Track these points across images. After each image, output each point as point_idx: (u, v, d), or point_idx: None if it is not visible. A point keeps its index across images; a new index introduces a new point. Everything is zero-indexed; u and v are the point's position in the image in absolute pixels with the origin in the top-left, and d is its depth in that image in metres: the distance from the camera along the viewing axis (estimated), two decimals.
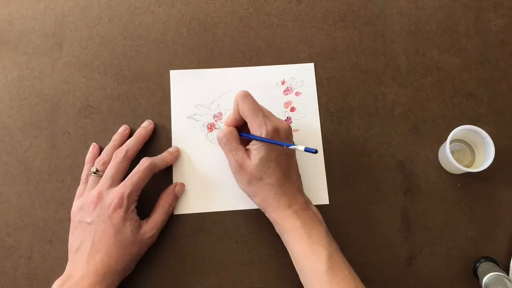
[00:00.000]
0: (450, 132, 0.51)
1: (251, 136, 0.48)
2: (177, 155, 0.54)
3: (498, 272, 0.48)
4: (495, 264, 0.50)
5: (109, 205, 0.47)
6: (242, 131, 0.50)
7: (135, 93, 0.57)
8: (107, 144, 0.54)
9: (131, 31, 0.59)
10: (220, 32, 0.60)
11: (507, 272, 0.51)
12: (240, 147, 0.48)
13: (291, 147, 0.45)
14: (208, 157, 0.55)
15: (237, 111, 0.48)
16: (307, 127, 0.56)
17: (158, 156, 0.53)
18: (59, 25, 0.59)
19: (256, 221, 0.53)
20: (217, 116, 0.56)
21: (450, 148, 0.51)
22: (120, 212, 0.47)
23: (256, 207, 0.53)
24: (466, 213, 0.54)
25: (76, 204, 0.50)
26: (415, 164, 0.55)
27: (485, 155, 0.52)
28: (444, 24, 0.60)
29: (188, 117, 0.56)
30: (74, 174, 0.54)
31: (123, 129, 0.55)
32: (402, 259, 0.53)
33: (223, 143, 0.49)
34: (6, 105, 0.57)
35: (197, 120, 0.56)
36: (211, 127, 0.56)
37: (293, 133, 0.55)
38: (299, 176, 0.51)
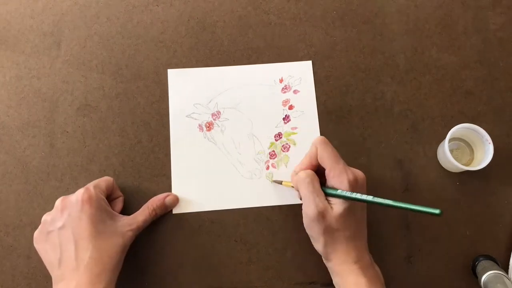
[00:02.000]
0: (449, 130, 0.51)
1: (334, 193, 0.45)
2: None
3: (497, 270, 0.48)
4: (494, 263, 0.50)
5: (76, 201, 0.45)
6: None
7: (134, 92, 0.57)
8: (106, 143, 0.54)
9: (130, 30, 0.59)
10: (218, 31, 0.59)
11: (506, 271, 0.51)
12: (322, 192, 0.45)
13: (400, 206, 0.41)
14: (206, 156, 0.55)
15: (315, 156, 0.47)
16: (306, 126, 0.56)
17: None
18: (57, 24, 0.59)
19: (254, 220, 0.53)
20: (215, 115, 0.56)
21: (449, 146, 0.51)
22: (92, 203, 0.45)
23: (255, 205, 0.53)
24: (465, 211, 0.54)
25: (42, 221, 0.47)
26: (414, 162, 0.55)
27: (483, 153, 0.52)
28: (443, 23, 0.60)
29: (186, 116, 0.56)
30: (72, 173, 0.54)
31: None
32: (401, 258, 0.53)
33: (307, 182, 0.45)
34: (4, 104, 0.56)
35: (195, 119, 0.56)
36: (209, 126, 0.56)
37: (292, 132, 0.55)
38: (366, 233, 0.48)
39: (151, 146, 0.55)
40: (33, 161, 0.55)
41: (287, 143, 0.56)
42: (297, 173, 0.48)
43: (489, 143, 0.51)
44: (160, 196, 0.52)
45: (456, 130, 0.51)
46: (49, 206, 0.53)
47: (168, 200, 0.52)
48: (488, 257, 0.51)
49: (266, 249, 0.53)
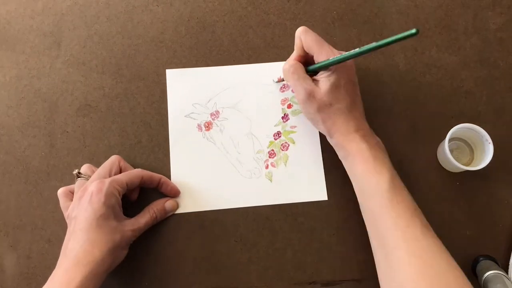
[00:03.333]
0: (449, 130, 0.51)
1: (319, 65, 0.48)
2: (172, 190, 0.53)
3: (497, 270, 0.48)
4: (494, 263, 0.50)
5: (90, 192, 0.46)
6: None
7: (134, 92, 0.57)
8: (106, 143, 0.54)
9: (130, 30, 0.59)
10: (218, 31, 0.59)
11: (506, 271, 0.51)
12: (307, 76, 0.49)
13: (379, 45, 0.42)
14: (206, 155, 0.55)
15: (300, 46, 0.50)
16: (305, 124, 0.56)
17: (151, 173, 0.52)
18: (57, 24, 0.59)
19: (254, 219, 0.53)
20: (214, 115, 0.56)
21: (449, 146, 0.51)
22: (101, 197, 0.46)
23: (255, 204, 0.53)
24: (465, 211, 0.54)
25: (68, 209, 0.49)
26: (413, 162, 0.55)
27: (483, 153, 0.52)
28: (443, 23, 0.60)
29: (185, 116, 0.56)
30: (72, 173, 0.54)
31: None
32: None
33: (291, 72, 0.49)
34: (4, 104, 0.56)
35: (194, 119, 0.56)
36: (208, 126, 0.56)
37: (291, 131, 0.55)
38: (362, 106, 0.51)
39: (151, 146, 0.55)
40: (33, 161, 0.55)
41: (286, 142, 0.56)
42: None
43: (489, 143, 0.51)
44: (161, 200, 0.52)
45: (456, 130, 0.51)
46: (49, 206, 0.53)
47: (168, 204, 0.52)
48: (488, 257, 0.51)
49: (266, 249, 0.53)
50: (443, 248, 0.42)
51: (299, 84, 0.48)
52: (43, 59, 0.58)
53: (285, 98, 0.57)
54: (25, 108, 0.56)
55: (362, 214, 0.48)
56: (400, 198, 0.44)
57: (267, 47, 0.59)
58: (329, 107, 0.48)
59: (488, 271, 0.48)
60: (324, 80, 0.48)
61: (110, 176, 0.49)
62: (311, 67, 0.50)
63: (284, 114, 0.57)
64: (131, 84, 0.57)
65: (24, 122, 0.56)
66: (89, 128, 0.56)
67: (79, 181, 0.50)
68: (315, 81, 0.49)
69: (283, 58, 0.58)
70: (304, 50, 0.50)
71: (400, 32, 0.39)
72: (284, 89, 0.57)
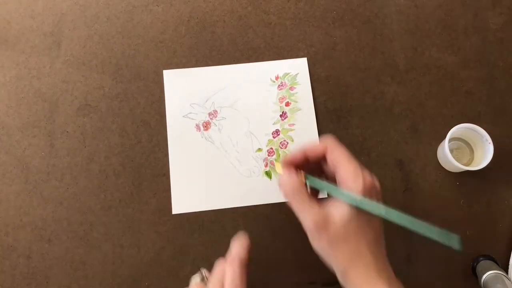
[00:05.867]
0: (449, 130, 0.51)
1: (335, 192, 0.39)
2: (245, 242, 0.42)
3: (497, 270, 0.48)
4: (493, 263, 0.50)
5: None
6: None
7: (134, 92, 0.57)
8: (106, 143, 0.54)
9: (130, 30, 0.59)
10: (218, 31, 0.59)
11: (506, 271, 0.51)
12: (313, 200, 0.39)
13: (416, 229, 0.35)
14: (204, 155, 0.55)
15: (313, 151, 0.41)
16: (303, 122, 0.56)
17: (235, 248, 0.41)
18: (57, 24, 0.59)
19: (254, 219, 0.53)
20: (212, 114, 0.56)
21: (449, 146, 0.51)
22: None
23: (255, 203, 0.53)
24: (464, 211, 0.54)
25: None
26: (414, 162, 0.55)
27: (483, 153, 0.52)
28: (443, 23, 0.60)
29: (183, 116, 0.56)
30: (72, 173, 0.54)
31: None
32: (401, 258, 0.53)
33: (293, 196, 0.40)
34: (5, 104, 0.56)
35: (192, 119, 0.56)
36: (206, 125, 0.56)
37: (289, 129, 0.54)
38: (383, 236, 0.41)
39: (151, 146, 0.55)
40: (33, 161, 0.55)
41: (285, 140, 0.56)
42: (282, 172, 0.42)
43: (489, 143, 0.51)
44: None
45: (456, 130, 0.51)
46: (49, 206, 0.53)
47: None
48: (488, 257, 0.51)
49: (266, 249, 0.53)
50: None
51: (304, 211, 0.39)
52: (43, 59, 0.58)
53: (283, 96, 0.57)
54: (25, 108, 0.56)
55: None
56: None
57: (267, 47, 0.59)
58: (345, 242, 0.37)
59: (488, 271, 0.48)
60: (341, 205, 0.38)
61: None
62: (320, 186, 0.40)
63: (282, 112, 0.57)
64: (131, 84, 0.57)
65: (24, 122, 0.56)
66: (89, 128, 0.56)
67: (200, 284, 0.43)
68: (325, 202, 0.39)
69: (283, 58, 0.59)
70: (314, 155, 0.41)
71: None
72: (281, 87, 0.57)
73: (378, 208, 0.36)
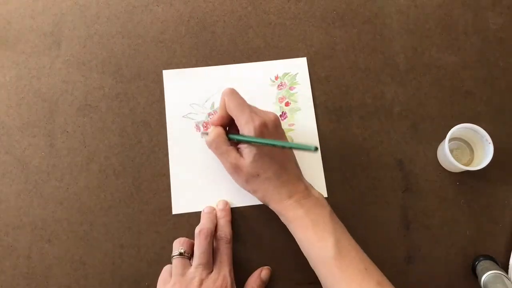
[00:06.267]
0: (449, 130, 0.51)
1: (239, 138, 0.47)
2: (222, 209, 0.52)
3: (497, 270, 0.48)
4: (494, 263, 0.50)
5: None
6: (230, 129, 0.50)
7: (134, 92, 0.57)
8: (106, 143, 0.54)
9: (130, 30, 0.59)
10: (218, 31, 0.59)
11: (506, 271, 0.51)
12: (231, 148, 0.48)
13: (284, 145, 0.45)
14: (204, 155, 0.55)
15: (224, 108, 0.48)
16: (302, 121, 0.56)
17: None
18: (57, 24, 0.59)
19: (254, 219, 0.53)
20: (212, 114, 0.56)
21: (449, 146, 0.51)
22: None
23: (255, 203, 0.53)
24: (465, 211, 0.54)
25: None
26: (414, 162, 0.55)
27: (483, 153, 0.52)
28: (443, 23, 0.60)
29: (183, 116, 0.56)
30: (72, 173, 0.54)
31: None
32: (401, 258, 0.53)
33: (213, 147, 0.49)
34: (4, 104, 0.56)
35: (192, 119, 0.56)
36: (206, 126, 0.56)
37: (289, 129, 0.54)
38: (296, 164, 0.49)
39: (151, 146, 0.55)
40: (33, 161, 0.55)
41: None
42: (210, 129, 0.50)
43: (489, 143, 0.51)
44: (256, 274, 0.50)
45: (456, 130, 0.51)
46: (49, 206, 0.53)
47: (264, 275, 0.50)
48: (488, 257, 0.51)
49: (266, 248, 0.53)
50: None
51: (224, 158, 0.48)
52: (43, 59, 0.58)
53: (283, 96, 0.57)
54: (25, 108, 0.56)
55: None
56: (348, 261, 0.43)
57: (267, 47, 0.59)
58: (256, 177, 0.46)
59: (488, 271, 0.48)
60: (247, 150, 0.46)
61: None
62: (231, 137, 0.48)
63: (282, 112, 0.57)
64: (131, 84, 0.57)
65: (24, 122, 0.56)
66: (89, 128, 0.56)
67: (180, 259, 0.47)
68: (240, 150, 0.47)
69: (283, 58, 0.59)
70: (229, 115, 0.48)
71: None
72: (281, 87, 0.57)
73: (273, 142, 0.45)
